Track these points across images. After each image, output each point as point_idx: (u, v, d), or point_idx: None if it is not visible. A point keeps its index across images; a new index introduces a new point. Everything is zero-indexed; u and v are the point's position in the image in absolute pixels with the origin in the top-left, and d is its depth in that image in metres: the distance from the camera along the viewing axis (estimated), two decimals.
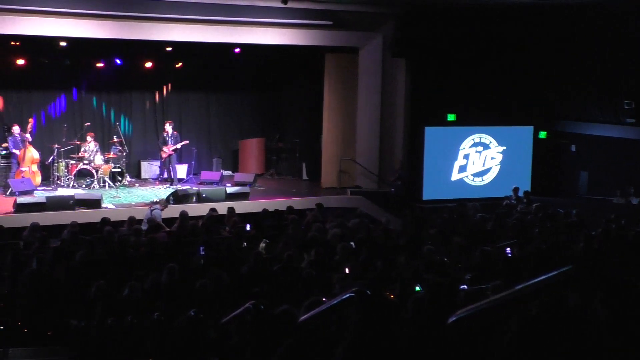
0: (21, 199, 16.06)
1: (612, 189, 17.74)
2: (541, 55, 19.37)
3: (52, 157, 18.52)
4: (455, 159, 19.19)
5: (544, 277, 2.89)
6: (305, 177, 21.73)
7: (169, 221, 14.42)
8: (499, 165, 19.50)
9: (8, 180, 17.54)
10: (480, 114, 19.49)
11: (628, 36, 17.82)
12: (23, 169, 17.93)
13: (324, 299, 5.39)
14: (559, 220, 14.13)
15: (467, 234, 12.73)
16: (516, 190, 17.58)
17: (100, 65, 20.02)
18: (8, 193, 17.05)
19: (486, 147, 19.45)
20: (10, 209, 15.71)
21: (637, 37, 17.57)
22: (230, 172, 21.25)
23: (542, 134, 19.84)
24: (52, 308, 10.61)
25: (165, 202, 15.84)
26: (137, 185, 19.59)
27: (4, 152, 18.33)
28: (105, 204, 16.59)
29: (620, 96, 18.12)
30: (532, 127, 19.70)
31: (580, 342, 3.53)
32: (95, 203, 16.37)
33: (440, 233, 12.48)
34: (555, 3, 16.99)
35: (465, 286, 7.85)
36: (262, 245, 11.94)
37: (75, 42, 17.82)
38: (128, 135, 20.79)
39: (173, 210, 15.23)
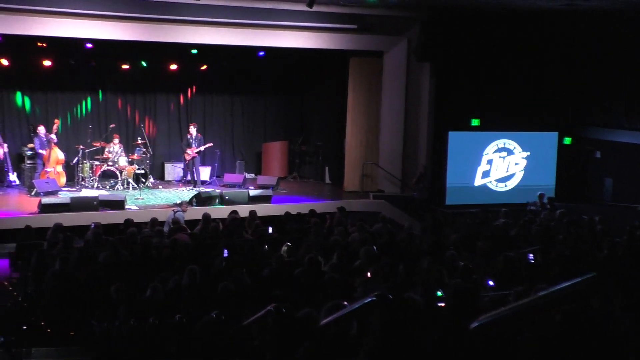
0: (46, 200, 16.18)
1: (637, 196, 17.61)
2: (567, 60, 19.28)
3: (76, 158, 18.65)
4: (479, 164, 19.13)
5: (567, 284, 2.88)
6: (328, 180, 21.72)
7: (191, 223, 14.45)
8: (523, 171, 19.40)
9: (33, 181, 17.70)
10: (504, 119, 19.40)
11: None
12: (48, 169, 18.07)
13: (345, 302, 5.39)
14: (583, 227, 14.04)
15: (490, 239, 12.68)
16: (542, 196, 17.47)
17: (125, 67, 20.14)
18: (33, 193, 17.20)
19: (510, 152, 19.37)
20: (35, 209, 15.86)
21: None
22: (253, 175, 21.33)
23: (567, 140, 19.74)
24: (75, 309, 10.68)
25: (187, 204, 15.92)
26: (160, 187, 19.70)
27: (29, 152, 18.50)
28: (128, 205, 16.70)
29: None
30: (556, 133, 19.59)
31: (603, 351, 3.51)
32: (118, 204, 16.47)
33: (464, 238, 12.43)
34: (581, 8, 16.87)
35: (492, 282, 7.83)
36: (284, 248, 11.95)
37: (101, 44, 17.96)
38: (152, 137, 20.87)
39: (196, 213, 15.29)
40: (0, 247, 14.87)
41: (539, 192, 17.80)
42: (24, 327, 10.78)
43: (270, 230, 14.03)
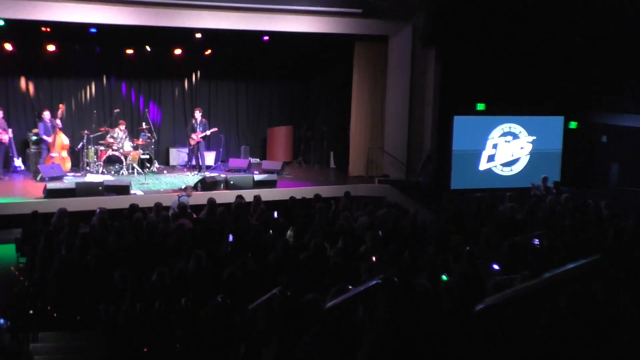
0: (51, 185, 16.20)
1: None
2: (573, 45, 19.23)
3: (81, 144, 18.71)
4: (484, 148, 19.12)
5: (571, 266, 2.89)
6: (332, 165, 21.77)
7: (196, 208, 14.49)
8: (529, 156, 19.39)
9: (38, 166, 17.76)
10: (510, 104, 19.36)
11: None
12: (53, 154, 18.13)
13: (350, 287, 5.42)
14: (589, 212, 14.04)
15: (496, 224, 12.69)
16: (545, 180, 17.47)
17: (130, 52, 20.17)
18: (38, 179, 17.28)
19: (515, 136, 19.36)
20: (41, 194, 15.91)
21: None
22: (258, 160, 21.38)
23: (573, 124, 19.71)
24: (82, 294, 10.74)
25: (192, 189, 15.95)
26: (165, 172, 19.76)
27: (34, 138, 18.55)
28: (133, 190, 16.72)
29: None
30: (562, 117, 19.56)
31: (607, 334, 3.53)
32: (123, 189, 16.50)
33: (469, 223, 12.45)
34: None
35: (497, 266, 7.85)
36: (290, 233, 11.98)
37: (106, 29, 17.94)
38: (157, 122, 20.91)
39: (201, 198, 15.32)
40: (7, 233, 14.94)
41: (543, 176, 17.84)
42: (31, 312, 10.86)
43: (275, 215, 14.06)
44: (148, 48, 20.12)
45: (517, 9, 18.30)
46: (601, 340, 3.53)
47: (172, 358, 7.19)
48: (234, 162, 20.32)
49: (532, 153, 19.40)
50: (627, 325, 3.63)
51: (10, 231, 14.85)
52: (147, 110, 20.88)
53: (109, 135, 18.79)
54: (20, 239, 13.78)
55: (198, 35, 19.15)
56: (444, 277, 7.27)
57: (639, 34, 18.11)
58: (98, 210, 13.76)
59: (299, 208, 14.61)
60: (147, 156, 19.35)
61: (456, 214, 14.24)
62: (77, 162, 18.87)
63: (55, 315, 10.96)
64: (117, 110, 19.83)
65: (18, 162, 18.82)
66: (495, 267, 8.20)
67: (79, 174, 18.24)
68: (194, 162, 19.82)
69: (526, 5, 18.21)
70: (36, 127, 18.57)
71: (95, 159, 18.68)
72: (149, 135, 19.54)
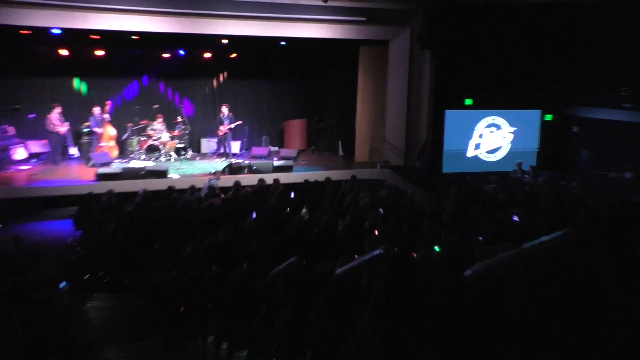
0: (101, 170, 16.35)
1: (609, 165, 17.54)
2: (550, 48, 19.14)
3: (126, 135, 18.89)
4: (471, 137, 19.09)
5: (546, 238, 2.90)
6: (341, 152, 21.73)
7: (224, 189, 14.53)
8: (510, 144, 19.37)
9: (90, 154, 17.90)
10: (494, 99, 19.30)
11: (626, 31, 17.64)
12: (102, 144, 18.29)
13: (356, 256, 5.43)
14: (561, 191, 14.01)
15: (482, 203, 12.67)
16: (519, 164, 17.54)
17: (166, 55, 20.22)
18: (90, 165, 17.43)
19: (499, 127, 19.31)
20: (93, 178, 16.02)
21: (632, 32, 17.38)
22: (277, 148, 21.32)
23: (548, 117, 19.69)
24: (128, 262, 10.80)
25: (221, 173, 15.99)
26: (197, 158, 19.76)
27: (86, 130, 18.63)
28: (170, 174, 16.78)
29: (618, 83, 17.98)
30: (539, 111, 19.54)
31: (583, 297, 3.52)
32: (162, 173, 16.57)
33: (459, 202, 12.43)
34: (561, 2, 16.75)
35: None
36: (304, 211, 11.98)
37: (146, 36, 17.92)
38: (190, 115, 20.95)
39: (228, 181, 15.34)
40: (64, 210, 15.03)
41: (517, 161, 17.88)
42: (86, 276, 10.93)
43: (292, 195, 14.07)
44: (182, 52, 20.14)
45: (501, 17, 18.23)
46: (574, 301, 3.52)
47: (204, 317, 7.22)
48: (256, 150, 20.34)
49: (513, 142, 19.37)
50: (598, 288, 3.62)
51: (67, 209, 14.93)
52: (181, 105, 20.99)
53: (149, 127, 18.92)
54: (76, 215, 13.86)
55: (224, 40, 19.18)
56: (437, 248, 7.27)
57: (607, 37, 18.04)
58: (141, 191, 13.83)
59: (312, 189, 14.61)
60: (182, 145, 19.43)
61: (448, 195, 14.25)
62: (123, 150, 18.96)
63: (106, 279, 11.05)
64: (156, 106, 19.93)
65: (73, 150, 18.97)
66: (480, 239, 8.18)
67: (124, 161, 18.32)
68: (222, 150, 19.88)
69: (509, 14, 18.13)
70: (88, 121, 18.63)
71: (138, 148, 18.79)
72: (184, 127, 19.62)
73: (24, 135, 18.54)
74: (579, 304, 3.48)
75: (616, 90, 18.05)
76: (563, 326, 3.35)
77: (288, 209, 12.44)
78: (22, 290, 3.60)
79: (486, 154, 19.28)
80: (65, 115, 18.50)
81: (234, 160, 18.44)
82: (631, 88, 17.54)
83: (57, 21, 16.11)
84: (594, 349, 3.03)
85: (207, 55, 20.53)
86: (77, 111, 19.52)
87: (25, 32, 16.98)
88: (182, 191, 14.24)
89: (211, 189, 14.38)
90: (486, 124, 19.21)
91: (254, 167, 17.46)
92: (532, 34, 18.88)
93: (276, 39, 19.13)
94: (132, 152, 18.82)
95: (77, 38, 17.92)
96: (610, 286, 3.51)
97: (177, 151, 19.12)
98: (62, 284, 9.54)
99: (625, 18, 17.53)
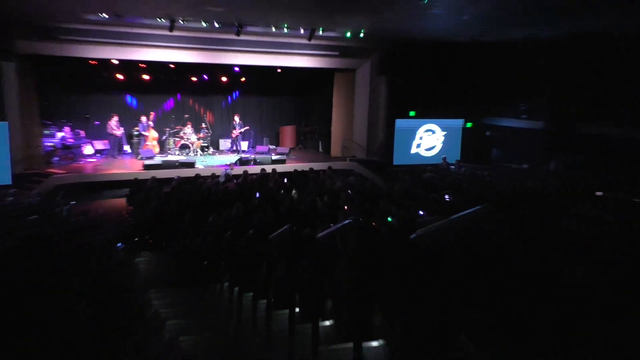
0: (147, 162, 16.25)
1: (511, 159, 17.68)
2: (469, 74, 19.23)
3: (165, 136, 18.71)
4: (414, 139, 19.11)
5: (468, 211, 2.90)
6: (321, 150, 21.67)
7: (236, 177, 14.48)
8: (442, 145, 19.43)
9: (139, 150, 17.79)
10: (430, 111, 19.37)
11: (523, 64, 17.82)
12: (148, 143, 18.17)
13: (332, 225, 5.41)
14: (478, 178, 14.08)
15: (422, 186, 12.70)
16: (444, 159, 17.70)
17: (194, 79, 20.06)
18: (139, 158, 17.30)
19: (433, 132, 19.34)
20: (141, 168, 15.89)
21: (528, 66, 17.53)
22: (274, 146, 21.24)
23: (469, 124, 19.77)
24: (165, 229, 10.72)
25: (234, 165, 15.93)
26: (216, 154, 19.59)
27: (136, 133, 18.51)
28: (197, 165, 16.66)
29: (517, 101, 18.15)
30: (462, 120, 19.60)
31: (495, 259, 3.53)
32: (191, 165, 16.47)
33: (405, 186, 12.45)
34: (479, 41, 16.80)
35: (422, 212, 7.85)
36: (294, 192, 11.96)
37: (179, 65, 17.89)
38: (211, 123, 20.81)
39: (239, 170, 15.29)
40: (121, 191, 14.93)
41: (443, 156, 17.99)
42: (136, 239, 10.84)
43: (285, 181, 14.04)
44: (205, 77, 19.99)
45: (434, 53, 18.27)
46: (485, 255, 3.52)
47: (219, 270, 7.19)
48: (259, 148, 20.21)
49: (444, 143, 19.43)
50: (506, 247, 3.63)
51: (122, 190, 14.82)
52: (205, 115, 20.81)
53: (181, 131, 18.77)
54: (128, 195, 13.74)
55: (236, 68, 19.06)
56: (390, 219, 7.27)
57: (509, 66, 18.16)
58: (176, 177, 13.73)
59: (300, 177, 14.59)
60: (205, 144, 19.30)
61: (397, 181, 14.29)
62: (162, 148, 18.79)
63: (150, 242, 10.97)
64: (186, 115, 19.77)
65: (126, 147, 18.82)
66: (421, 212, 8.19)
67: (163, 155, 18.15)
68: (234, 148, 19.77)
69: (440, 50, 18.18)
70: (137, 126, 18.49)
71: (173, 146, 18.63)
72: (206, 131, 19.47)
73: (91, 137, 18.50)
74: (488, 257, 3.51)
75: (516, 105, 18.21)
76: (477, 272, 3.39)
77: (282, 190, 12.43)
78: (90, 248, 3.58)
79: (425, 151, 19.32)
80: (121, 122, 18.36)
81: (243, 156, 18.33)
82: (526, 104, 17.74)
83: (115, 54, 16.11)
84: (501, 286, 3.05)
85: (224, 79, 20.35)
86: (129, 119, 19.34)
87: (93, 62, 17.11)
88: (205, 178, 14.18)
89: (227, 176, 14.30)
90: (425, 130, 19.22)
91: (258, 160, 17.39)
92: (456, 65, 19.00)
93: (274, 67, 19.05)
94: (169, 149, 18.66)
95: (129, 66, 17.92)
96: (511, 244, 3.53)
97: (202, 148, 18.99)
98: (119, 245, 9.46)
99: (523, 55, 17.71)
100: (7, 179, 13.57)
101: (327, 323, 4.50)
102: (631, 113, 15.18)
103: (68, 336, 1.40)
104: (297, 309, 4.14)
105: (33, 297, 1.29)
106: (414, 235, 3.48)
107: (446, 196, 10.40)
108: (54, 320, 1.40)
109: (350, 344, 3.02)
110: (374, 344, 3.79)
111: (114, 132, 17.89)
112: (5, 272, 1.21)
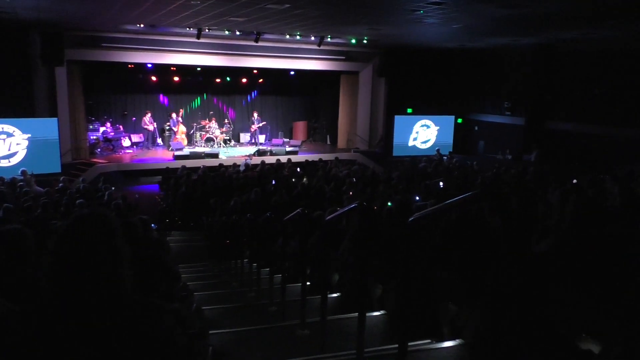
0: (177, 153, 16.31)
1: (496, 151, 17.53)
2: (459, 76, 19.05)
3: (192, 131, 18.66)
4: (411, 133, 18.96)
5: (460, 197, 2.84)
6: (329, 142, 21.54)
7: (255, 166, 14.47)
8: (436, 138, 19.28)
9: (170, 142, 17.77)
10: (425, 108, 19.22)
11: (507, 68, 17.61)
12: (177, 137, 18.14)
13: (338, 208, 5.36)
14: (467, 168, 13.97)
15: (417, 174, 12.63)
16: (438, 150, 17.57)
17: (218, 80, 19.99)
18: (170, 149, 17.29)
19: (428, 127, 19.17)
20: (171, 158, 15.90)
21: (510, 69, 17.31)
22: (288, 139, 21.16)
23: (459, 120, 19.61)
24: (193, 211, 10.73)
25: (253, 155, 15.91)
26: (237, 146, 19.53)
27: (167, 127, 18.50)
28: (221, 156, 16.65)
29: (501, 99, 18.01)
30: (453, 116, 19.42)
31: (479, 237, 3.47)
32: (215, 155, 16.48)
33: (402, 174, 12.40)
34: (467, 47, 16.62)
35: (418, 198, 7.80)
36: (305, 179, 11.94)
37: (205, 68, 17.81)
38: (233, 119, 20.74)
39: (257, 160, 15.28)
40: (153, 178, 14.97)
41: (436, 148, 17.88)
42: (167, 220, 10.87)
43: (298, 169, 14.02)
44: (228, 78, 19.90)
45: (428, 57, 18.11)
46: (475, 241, 3.47)
47: (241, 246, 7.19)
48: (275, 141, 20.11)
49: (437, 136, 19.29)
50: (493, 232, 3.56)
51: (155, 177, 14.87)
52: (227, 112, 20.72)
53: (207, 126, 18.72)
54: (161, 181, 13.77)
55: (255, 71, 18.94)
56: (389, 204, 7.22)
57: (494, 72, 17.98)
58: (202, 166, 13.75)
59: (310, 166, 14.56)
60: (228, 137, 19.21)
61: (396, 169, 14.23)
62: (190, 140, 18.72)
63: (179, 222, 10.99)
64: (211, 112, 19.68)
65: (159, 140, 18.79)
66: (417, 197, 8.14)
67: (191, 147, 18.12)
68: (253, 141, 19.68)
69: (433, 55, 18.01)
70: (168, 121, 18.47)
71: (200, 139, 18.59)
72: (229, 126, 19.39)
73: (129, 130, 18.45)
74: (474, 236, 3.47)
75: (500, 103, 18.06)
76: (465, 248, 3.35)
77: (293, 179, 12.41)
78: (128, 228, 3.57)
79: (420, 144, 19.18)
80: (154, 118, 18.34)
81: (260, 147, 18.28)
82: (509, 102, 17.61)
83: (150, 59, 16.03)
84: (480, 258, 3.02)
85: (244, 80, 20.21)
86: (162, 115, 19.32)
87: (131, 66, 17.02)
88: (228, 167, 14.19)
89: (247, 165, 14.30)
90: (420, 124, 19.06)
91: (274, 152, 17.35)
92: (448, 67, 18.88)
93: (288, 70, 18.89)
94: (196, 142, 18.57)
95: (162, 69, 17.77)
96: (494, 225, 3.48)
97: (225, 141, 18.90)
98: (153, 225, 9.47)
99: (508, 60, 17.52)
100: (57, 168, 13.66)
101: (334, 295, 4.48)
102: (592, 112, 15.19)
103: (115, 300, 1.43)
104: (308, 283, 4.11)
105: (91, 267, 1.34)
106: (411, 219, 3.43)
107: (440, 183, 10.33)
108: (105, 285, 1.42)
109: (355, 314, 2.98)
110: (376, 313, 3.76)
111: (147, 126, 17.90)
112: (69, 244, 1.24)
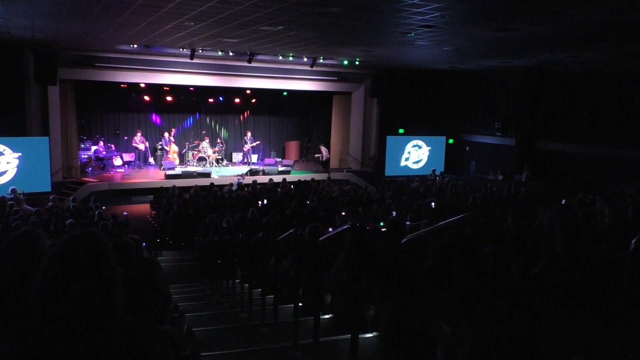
0: (169, 172, 16.20)
1: (488, 171, 17.65)
2: (450, 97, 19.26)
3: (185, 150, 18.62)
4: (403, 153, 19.09)
5: (453, 219, 2.85)
6: (321, 161, 21.66)
7: (247, 185, 14.43)
8: (427, 158, 19.40)
9: (162, 162, 17.69)
10: (417, 129, 19.36)
11: (497, 90, 17.83)
12: (169, 156, 18.08)
13: (330, 229, 5.35)
14: (458, 188, 14.04)
15: (409, 194, 12.67)
16: (434, 171, 17.65)
17: (211, 100, 20.04)
18: (162, 169, 17.20)
19: (419, 147, 19.31)
20: (163, 177, 15.83)
21: (501, 91, 17.54)
22: (281, 159, 21.19)
23: (451, 141, 19.76)
24: (185, 230, 10.65)
25: (245, 175, 15.89)
26: (230, 165, 19.52)
27: (159, 146, 18.44)
28: (213, 175, 16.61)
29: (492, 120, 18.16)
30: (445, 137, 19.59)
31: (472, 255, 3.47)
32: (207, 175, 16.43)
33: (395, 194, 12.43)
34: (459, 69, 16.85)
35: (409, 223, 7.81)
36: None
37: (198, 88, 17.86)
38: (225, 138, 20.75)
39: (249, 180, 15.23)
40: (145, 197, 14.87)
41: (432, 168, 17.94)
42: (158, 240, 10.76)
43: (292, 187, 14.00)
44: (221, 98, 19.97)
45: (420, 78, 18.32)
46: (467, 259, 3.48)
47: (234, 266, 7.12)
48: (267, 160, 20.15)
49: (429, 156, 19.40)
50: (485, 251, 3.57)
51: (146, 196, 14.77)
52: (220, 131, 20.73)
53: (199, 146, 18.70)
54: (152, 200, 13.68)
55: (248, 91, 19.08)
56: (382, 223, 7.23)
57: (485, 94, 18.19)
58: (194, 185, 13.69)
59: (303, 185, 14.57)
60: (220, 157, 19.20)
61: (389, 188, 14.27)
62: (183, 160, 18.68)
63: (170, 242, 10.89)
64: (204, 132, 19.68)
65: (150, 159, 18.74)
66: (409, 217, 8.15)
67: (183, 166, 18.06)
68: (245, 160, 19.68)
69: (424, 76, 18.22)
70: (160, 140, 18.44)
71: (192, 158, 18.55)
72: (221, 145, 19.39)
73: (120, 149, 18.40)
74: (466, 255, 3.48)
75: (491, 124, 18.22)
76: (458, 267, 3.36)
77: (287, 197, 12.38)
78: (121, 248, 3.52)
79: (412, 164, 19.28)
80: (146, 137, 18.35)
81: (253, 167, 18.28)
82: (500, 123, 17.76)
83: (143, 79, 16.10)
84: (476, 283, 3.02)
85: (237, 100, 20.29)
86: (154, 134, 19.30)
87: (124, 85, 17.09)
88: (220, 186, 14.15)
89: (239, 184, 14.27)
90: (412, 145, 19.20)
91: (266, 171, 17.35)
92: (439, 88, 19.08)
93: (280, 90, 19.05)
94: (188, 161, 18.54)
95: (155, 89, 17.83)
96: (485, 244, 3.49)
97: (217, 161, 18.88)
98: (143, 245, 9.37)
99: (499, 81, 17.74)
100: (47, 187, 13.54)
101: (327, 316, 4.44)
102: (582, 133, 15.43)
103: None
104: (300, 304, 4.07)
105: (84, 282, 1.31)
106: (405, 240, 3.43)
107: (432, 203, 10.37)
108: (97, 308, 1.39)
109: (348, 336, 2.96)
110: (369, 335, 3.73)
111: (137, 145, 17.87)
112: (60, 266, 1.22)
